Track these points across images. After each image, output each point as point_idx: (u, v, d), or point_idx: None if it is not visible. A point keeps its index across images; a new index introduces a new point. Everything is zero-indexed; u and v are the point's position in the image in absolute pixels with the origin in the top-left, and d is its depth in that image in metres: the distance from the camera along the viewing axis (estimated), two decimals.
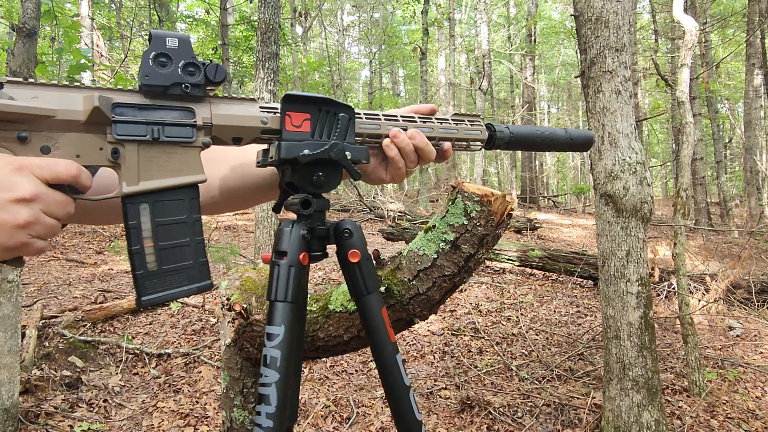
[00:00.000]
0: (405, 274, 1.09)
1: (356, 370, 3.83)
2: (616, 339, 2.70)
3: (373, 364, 3.90)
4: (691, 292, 5.05)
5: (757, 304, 5.29)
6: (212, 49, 11.48)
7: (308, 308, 1.18)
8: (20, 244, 0.62)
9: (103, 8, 14.46)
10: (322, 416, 3.14)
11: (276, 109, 0.82)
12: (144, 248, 0.72)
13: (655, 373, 2.68)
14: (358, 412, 3.19)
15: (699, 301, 5.01)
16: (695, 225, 12.21)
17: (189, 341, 4.22)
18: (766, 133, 17.94)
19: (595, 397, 3.26)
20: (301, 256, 0.80)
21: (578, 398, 3.34)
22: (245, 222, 10.80)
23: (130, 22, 14.40)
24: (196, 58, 0.74)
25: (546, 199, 20.56)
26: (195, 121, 0.75)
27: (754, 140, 12.15)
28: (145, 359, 3.87)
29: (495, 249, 6.61)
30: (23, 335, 3.61)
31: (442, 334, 4.53)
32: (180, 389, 3.47)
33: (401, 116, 0.93)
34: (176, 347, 4.06)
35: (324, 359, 3.83)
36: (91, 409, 3.19)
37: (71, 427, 2.94)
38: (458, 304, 5.29)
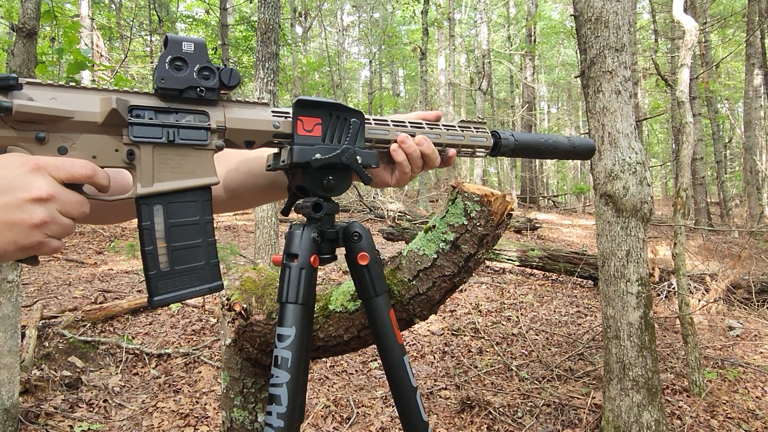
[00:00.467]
0: (405, 274, 1.09)
1: (356, 371, 3.83)
2: (616, 339, 2.70)
3: (372, 364, 3.90)
4: (691, 292, 5.05)
5: (757, 304, 5.29)
6: (212, 50, 11.48)
7: None
8: (36, 243, 0.62)
9: (103, 8, 14.46)
10: (322, 416, 3.14)
11: (288, 113, 0.83)
12: (157, 249, 0.73)
13: (655, 373, 2.68)
14: (358, 412, 3.19)
15: (699, 301, 5.01)
16: (695, 225, 12.21)
17: (189, 341, 4.22)
18: (766, 133, 17.95)
19: (595, 397, 3.26)
20: (311, 259, 0.81)
21: (578, 398, 3.34)
22: (245, 222, 10.80)
23: (130, 22, 14.40)
24: (211, 62, 0.75)
25: (546, 199, 20.57)
26: (209, 125, 0.76)
27: (754, 140, 12.15)
28: (145, 359, 3.87)
29: (495, 249, 6.61)
30: (23, 335, 3.61)
31: (442, 334, 4.53)
32: (180, 389, 3.47)
33: (409, 122, 0.94)
34: (176, 347, 4.06)
35: (324, 359, 3.83)
36: (91, 409, 3.19)
37: (71, 427, 2.94)
38: (458, 304, 5.29)
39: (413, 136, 0.92)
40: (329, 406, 3.26)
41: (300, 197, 0.89)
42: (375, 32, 24.05)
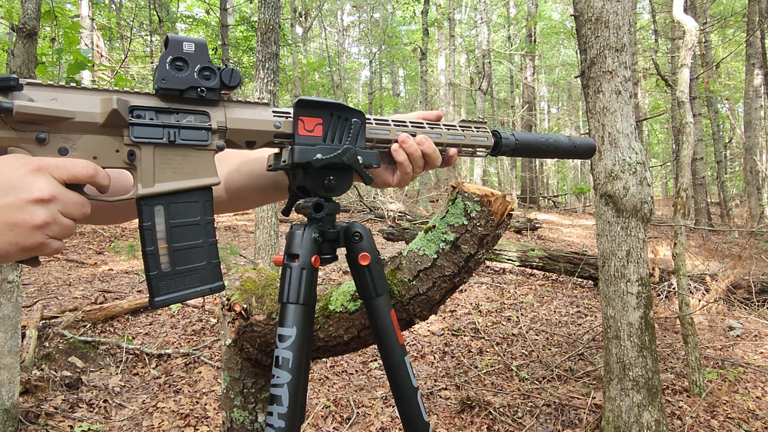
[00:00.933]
0: (405, 274, 1.09)
1: (356, 371, 3.83)
2: (617, 339, 2.70)
3: (373, 365, 3.90)
4: (691, 292, 5.05)
5: (757, 304, 5.29)
6: (212, 50, 11.48)
7: None
8: (37, 244, 0.62)
9: (103, 9, 14.45)
10: (322, 416, 3.14)
11: (288, 113, 0.83)
12: (158, 249, 0.73)
13: (655, 373, 2.68)
14: (358, 413, 3.19)
15: (699, 301, 5.01)
16: (695, 225, 12.21)
17: (189, 341, 4.22)
18: (766, 133, 17.95)
19: (595, 398, 3.26)
20: (312, 259, 0.81)
21: (578, 398, 3.33)
22: (245, 222, 10.80)
23: (130, 22, 14.40)
24: (212, 62, 0.75)
25: (546, 199, 20.56)
26: (210, 125, 0.76)
27: (754, 140, 12.15)
28: (145, 359, 3.87)
29: (495, 249, 6.61)
30: (23, 335, 3.61)
31: (442, 335, 4.53)
32: (180, 389, 3.47)
33: (410, 122, 0.94)
34: (176, 347, 4.06)
35: (324, 359, 3.83)
36: (92, 409, 3.19)
37: (71, 427, 2.94)
38: (458, 305, 5.29)
39: (414, 135, 0.92)
40: (329, 406, 3.26)
41: (301, 197, 0.89)
42: (375, 32, 24.05)
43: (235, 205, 1.02)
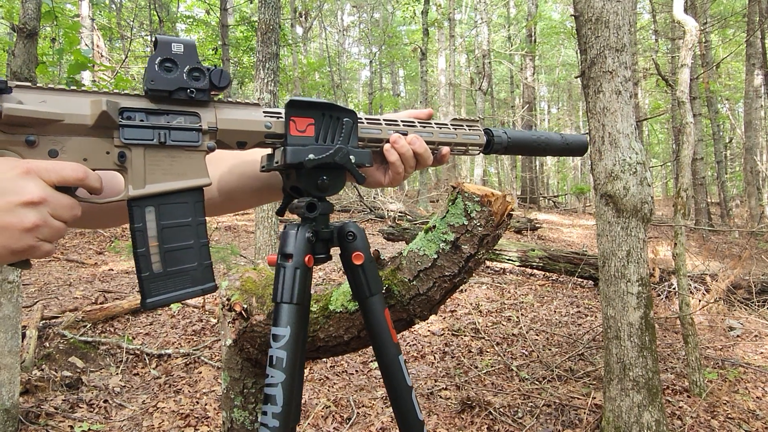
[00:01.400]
0: (405, 274, 1.09)
1: (356, 371, 3.83)
2: (617, 339, 2.70)
3: (373, 365, 3.90)
4: (691, 292, 5.05)
5: (757, 304, 5.29)
6: (212, 50, 11.49)
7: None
8: (27, 247, 0.62)
9: (103, 9, 14.46)
10: (322, 416, 3.14)
11: (279, 113, 0.83)
12: (149, 251, 0.73)
13: (655, 373, 2.68)
14: (358, 413, 3.19)
15: (699, 301, 5.00)
16: (695, 225, 12.21)
17: (189, 342, 4.22)
18: (766, 133, 17.94)
19: (595, 398, 3.26)
20: (306, 259, 0.81)
21: (579, 398, 3.33)
22: (245, 222, 10.80)
23: (131, 22, 14.41)
24: (201, 63, 0.75)
25: (546, 200, 20.56)
26: (200, 126, 0.76)
27: (755, 140, 12.14)
28: (145, 360, 3.87)
29: (495, 249, 6.61)
30: (24, 336, 3.62)
31: (442, 335, 4.53)
32: (180, 390, 3.47)
33: (402, 121, 0.94)
34: (176, 348, 4.06)
35: (324, 360, 3.83)
36: (92, 409, 3.19)
37: (71, 427, 2.94)
38: (458, 305, 5.29)
39: (406, 134, 0.92)
40: (329, 406, 3.26)
41: (295, 198, 0.89)
42: (375, 32, 24.05)
43: (228, 206, 1.02)
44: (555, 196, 21.60)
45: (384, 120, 0.93)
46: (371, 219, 11.23)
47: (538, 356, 4.06)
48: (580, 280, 6.34)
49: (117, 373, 3.67)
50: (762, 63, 12.04)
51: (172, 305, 4.71)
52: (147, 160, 0.73)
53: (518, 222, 10.29)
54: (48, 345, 3.78)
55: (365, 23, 27.64)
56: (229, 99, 0.81)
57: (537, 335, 4.59)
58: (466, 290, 5.77)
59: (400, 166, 0.91)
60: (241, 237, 9.50)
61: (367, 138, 0.90)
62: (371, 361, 3.95)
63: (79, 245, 7.98)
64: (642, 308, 2.67)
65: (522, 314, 5.07)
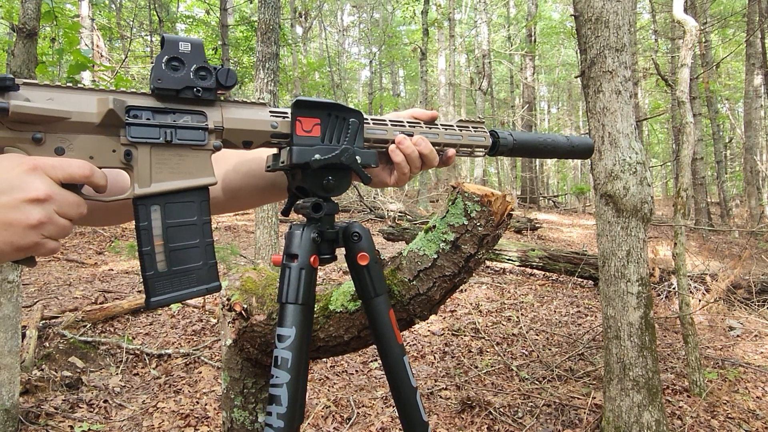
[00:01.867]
0: (405, 274, 1.09)
1: (357, 371, 3.83)
2: (617, 339, 2.70)
3: (373, 365, 3.90)
4: (691, 292, 5.05)
5: (757, 304, 5.29)
6: (212, 50, 11.48)
7: None
8: (33, 244, 0.62)
9: (103, 9, 14.46)
10: (322, 416, 3.14)
11: (285, 113, 0.83)
12: (154, 250, 0.73)
13: (655, 373, 2.68)
14: (358, 413, 3.19)
15: (699, 301, 5.00)
16: (695, 225, 12.21)
17: (189, 342, 4.22)
18: (766, 133, 17.94)
19: (595, 398, 3.26)
20: (311, 259, 0.81)
21: (579, 398, 3.33)
22: (245, 222, 10.80)
23: (130, 22, 14.40)
24: (208, 62, 0.75)
25: (546, 199, 20.56)
26: (207, 125, 0.76)
27: (755, 140, 12.14)
28: (145, 360, 3.87)
29: (495, 249, 6.61)
30: (23, 336, 3.62)
31: (442, 335, 4.53)
32: (180, 390, 3.47)
33: (407, 122, 0.94)
34: (176, 348, 4.06)
35: (324, 360, 3.83)
36: (92, 409, 3.19)
37: (71, 427, 2.94)
38: (458, 305, 5.29)
39: (411, 135, 0.92)
40: (329, 406, 3.26)
41: (300, 198, 0.89)
42: (375, 32, 24.05)
43: (232, 205, 1.02)
44: (555, 196, 21.60)
45: (390, 120, 0.93)
46: (371, 219, 11.23)
47: (538, 356, 4.06)
48: (580, 280, 6.34)
49: (117, 373, 3.66)
50: (762, 63, 12.04)
51: (172, 305, 4.71)
52: (153, 159, 0.73)
53: (518, 222, 10.29)
54: (48, 345, 3.78)
55: (365, 23, 27.63)
56: (236, 99, 0.81)
57: (537, 335, 4.59)
58: (466, 290, 5.77)
59: (406, 167, 0.91)
60: (241, 237, 9.50)
61: (372, 138, 0.90)
62: (371, 361, 3.95)
63: (79, 245, 7.98)
64: (642, 308, 2.67)
65: (522, 314, 5.07)
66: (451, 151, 0.97)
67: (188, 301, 4.82)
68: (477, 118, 1.03)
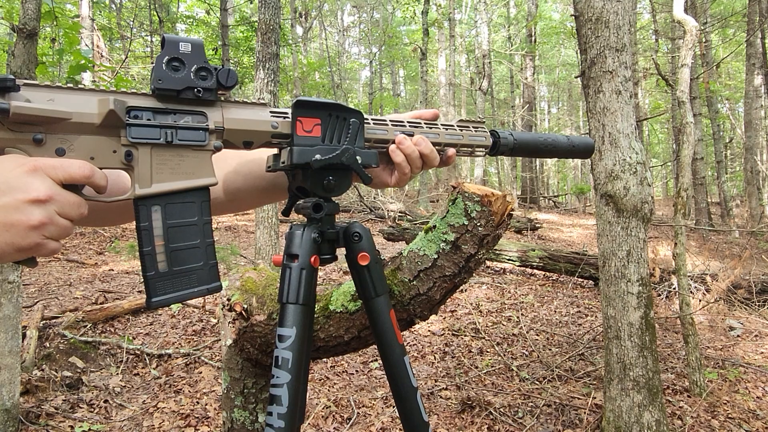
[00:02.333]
0: (405, 274, 1.09)
1: (357, 371, 3.83)
2: (617, 339, 2.70)
3: (373, 365, 3.90)
4: (691, 292, 5.05)
5: (757, 304, 5.28)
6: (212, 50, 11.49)
7: None
8: (34, 244, 0.62)
9: (103, 9, 14.46)
10: (322, 417, 3.14)
11: (286, 113, 0.83)
12: (155, 250, 0.73)
13: (655, 373, 2.68)
14: (358, 413, 3.19)
15: (700, 301, 5.00)
16: (696, 225, 12.20)
17: (189, 342, 4.22)
18: (766, 133, 17.94)
19: (595, 398, 3.26)
20: (312, 259, 0.81)
21: (579, 398, 3.33)
22: (246, 222, 10.80)
23: (131, 22, 14.41)
24: (208, 62, 0.75)
25: (546, 200, 20.56)
26: (207, 125, 0.76)
27: (755, 140, 12.14)
28: (145, 360, 3.87)
29: (495, 249, 6.61)
30: (24, 336, 3.62)
31: (442, 335, 4.53)
32: (180, 390, 3.47)
33: (408, 122, 0.94)
34: (177, 348, 4.06)
35: (324, 359, 3.83)
36: (92, 409, 3.19)
37: (72, 427, 2.94)
38: (459, 305, 5.29)
39: (412, 135, 0.92)
40: (330, 406, 3.26)
41: (300, 198, 0.89)
42: (375, 33, 24.05)
43: (233, 205, 1.02)
44: (555, 196, 21.60)
45: (390, 121, 0.93)
46: (371, 219, 11.23)
47: (538, 356, 4.06)
48: (580, 280, 6.34)
49: (117, 374, 3.67)
50: (762, 63, 12.04)
51: (172, 305, 4.71)
52: (154, 159, 0.73)
53: (518, 222, 10.29)
54: (48, 345, 3.78)
55: (365, 23, 27.63)
56: (236, 99, 0.81)
57: (537, 335, 4.59)
58: (466, 290, 5.77)
59: (406, 167, 0.91)
60: (241, 237, 9.50)
61: (373, 139, 0.90)
62: (371, 361, 3.95)
63: (79, 245, 7.98)
64: (642, 308, 2.67)
65: (522, 314, 5.07)
66: (452, 151, 0.97)
67: (188, 301, 4.81)
68: (477, 118, 1.03)
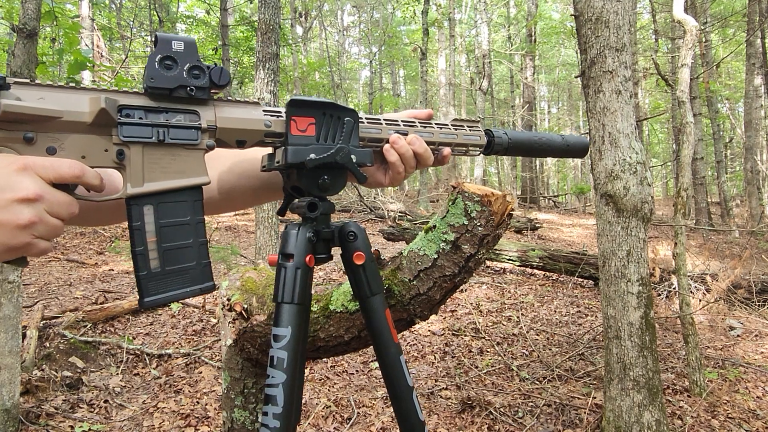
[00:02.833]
0: (406, 274, 1.09)
1: (357, 371, 3.83)
2: (617, 339, 2.70)
3: (373, 365, 3.90)
4: (691, 291, 5.05)
5: (757, 303, 5.28)
6: (212, 50, 11.49)
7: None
8: (23, 244, 0.62)
9: (103, 9, 14.46)
10: (322, 416, 3.14)
11: (279, 112, 0.83)
12: (147, 249, 0.72)
13: (655, 373, 2.68)
14: (358, 413, 3.19)
15: (700, 300, 5.00)
16: (696, 225, 12.20)
17: (190, 342, 4.22)
18: (766, 133, 17.94)
19: (595, 398, 3.26)
20: (307, 259, 0.81)
21: (579, 398, 3.33)
22: (246, 222, 10.80)
23: (131, 22, 14.41)
24: (201, 61, 0.75)
25: (546, 199, 20.55)
26: (200, 124, 0.76)
27: (755, 140, 12.14)
28: (145, 360, 3.87)
29: (495, 249, 6.61)
30: (24, 336, 3.62)
31: (442, 335, 4.53)
32: (181, 390, 3.47)
33: (402, 121, 0.94)
34: (177, 348, 4.06)
35: (325, 359, 3.83)
36: (92, 409, 3.19)
37: (72, 427, 2.94)
38: (459, 305, 5.29)
39: (406, 135, 0.92)
40: (330, 406, 3.26)
41: (296, 197, 0.89)
42: (375, 32, 24.05)
43: (227, 205, 1.01)
44: (555, 196, 21.60)
45: (384, 120, 0.92)
46: (371, 219, 11.23)
47: (538, 356, 4.06)
48: (580, 279, 6.34)
49: (117, 373, 3.67)
50: (762, 63, 12.04)
51: (172, 305, 4.71)
52: (146, 158, 0.72)
53: (518, 222, 10.29)
54: (48, 345, 3.78)
55: (365, 23, 27.63)
56: (229, 98, 0.81)
57: (537, 335, 4.59)
58: (466, 290, 5.77)
59: (400, 166, 0.91)
60: (242, 237, 9.50)
61: (367, 138, 0.89)
62: (371, 361, 3.95)
63: (79, 245, 7.98)
64: (642, 308, 2.67)
65: (522, 314, 5.07)
66: (447, 150, 0.97)
67: (188, 301, 4.82)
68: (472, 117, 1.03)
